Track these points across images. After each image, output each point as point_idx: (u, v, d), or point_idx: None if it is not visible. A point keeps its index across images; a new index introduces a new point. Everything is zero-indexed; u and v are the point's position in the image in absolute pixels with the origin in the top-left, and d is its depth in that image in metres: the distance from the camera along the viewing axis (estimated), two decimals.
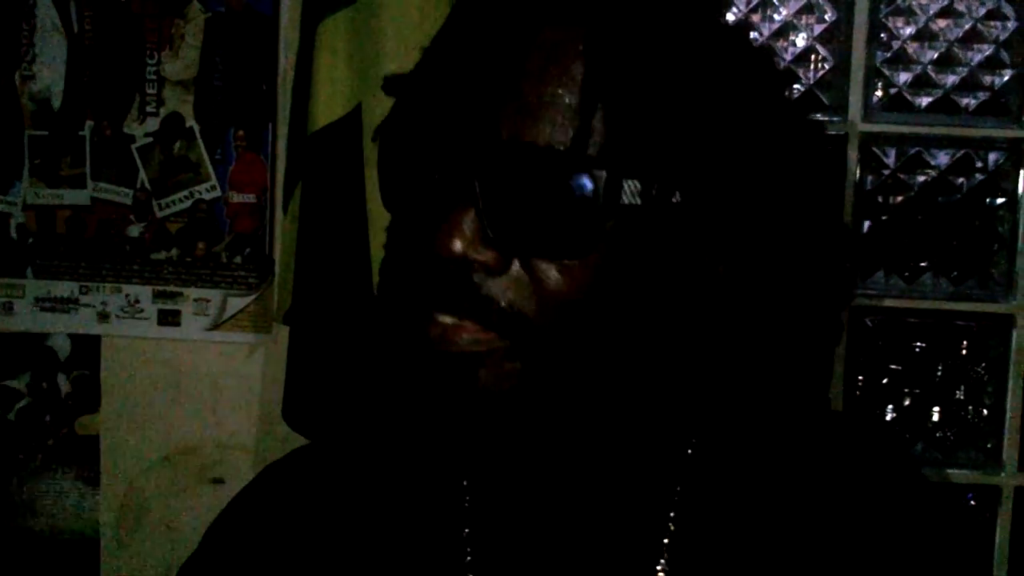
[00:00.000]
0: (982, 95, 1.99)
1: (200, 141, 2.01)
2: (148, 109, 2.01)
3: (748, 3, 1.98)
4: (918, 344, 2.02)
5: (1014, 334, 1.98)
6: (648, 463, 0.81)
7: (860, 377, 2.03)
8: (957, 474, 2.00)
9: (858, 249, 1.99)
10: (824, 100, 2.00)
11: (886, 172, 2.00)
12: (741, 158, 0.73)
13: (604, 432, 0.78)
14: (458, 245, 0.68)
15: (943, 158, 2.00)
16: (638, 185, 0.69)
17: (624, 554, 0.79)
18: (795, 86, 1.97)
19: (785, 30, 1.99)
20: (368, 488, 0.86)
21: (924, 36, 1.99)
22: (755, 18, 1.99)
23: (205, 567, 0.88)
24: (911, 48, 1.99)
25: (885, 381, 2.03)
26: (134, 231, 2.04)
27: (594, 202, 0.69)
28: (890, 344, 2.02)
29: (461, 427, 0.77)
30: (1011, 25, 1.97)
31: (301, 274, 1.83)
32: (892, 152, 2.00)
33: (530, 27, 0.71)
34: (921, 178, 2.00)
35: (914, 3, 1.98)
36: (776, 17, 1.99)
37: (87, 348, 2.07)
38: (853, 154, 1.96)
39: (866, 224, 2.01)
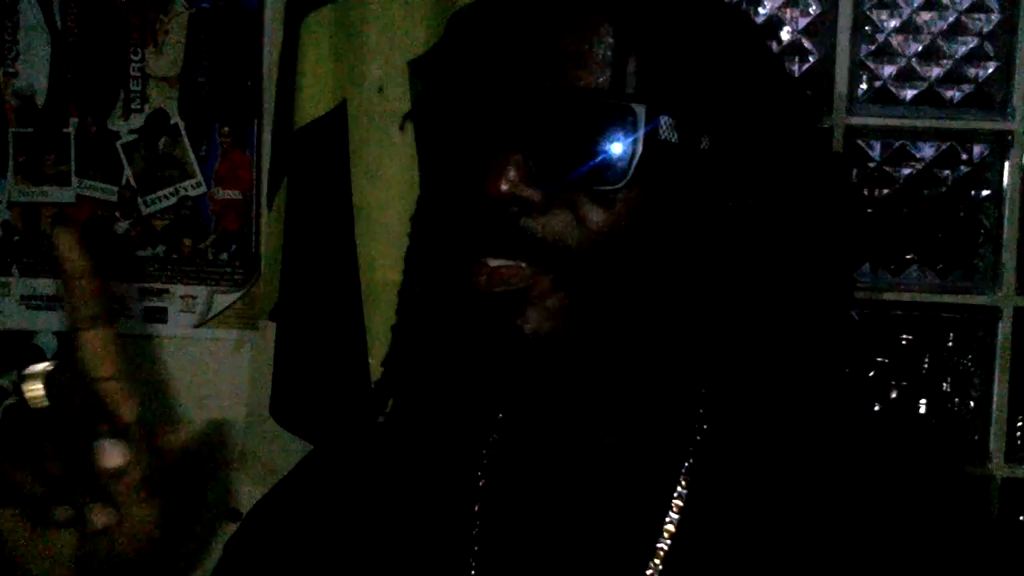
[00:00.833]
0: (967, 87, 2.00)
1: (185, 138, 2.01)
2: (133, 106, 2.01)
3: None
4: (905, 336, 2.03)
5: (1000, 326, 1.98)
6: (661, 437, 0.82)
7: (847, 369, 2.03)
8: None
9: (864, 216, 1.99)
10: (809, 93, 2.00)
11: (871, 165, 2.00)
12: (755, 109, 0.79)
13: (628, 389, 0.81)
14: (505, 185, 0.73)
15: (928, 151, 2.00)
16: (672, 121, 0.75)
17: (630, 536, 0.80)
18: None
19: (770, 23, 1.99)
20: (378, 482, 0.88)
21: (908, 29, 1.99)
22: None
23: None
24: (895, 41, 2.00)
25: (872, 373, 2.04)
26: (119, 228, 2.03)
27: (634, 135, 0.74)
28: (876, 336, 2.03)
29: (501, 376, 0.81)
30: (995, 17, 1.98)
31: (287, 270, 1.83)
32: (877, 145, 2.00)
33: None
34: (906, 171, 2.01)
35: None
36: (761, 11, 1.99)
37: (73, 346, 2.05)
38: (838, 147, 1.96)
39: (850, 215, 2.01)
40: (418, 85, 1.72)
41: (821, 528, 0.79)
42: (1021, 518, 2.02)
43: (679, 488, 0.81)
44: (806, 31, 1.99)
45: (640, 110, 0.73)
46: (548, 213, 0.74)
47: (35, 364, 0.67)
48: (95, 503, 0.66)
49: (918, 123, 1.99)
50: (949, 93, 2.00)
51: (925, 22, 1.99)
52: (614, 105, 0.74)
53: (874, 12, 1.99)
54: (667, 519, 0.80)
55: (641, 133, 0.73)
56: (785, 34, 1.99)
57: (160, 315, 2.04)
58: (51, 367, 0.66)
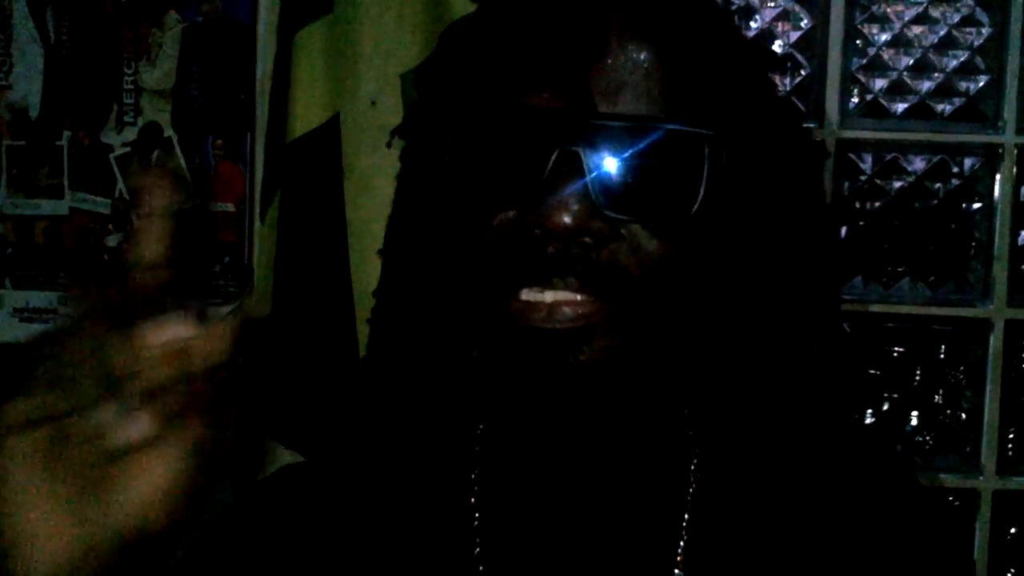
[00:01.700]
0: (958, 101, 2.00)
1: (178, 150, 2.01)
2: (126, 119, 2.01)
3: None
4: (896, 349, 2.03)
5: (991, 338, 1.99)
6: (665, 457, 0.82)
7: (836, 380, 2.03)
8: (936, 478, 2.00)
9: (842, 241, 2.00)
10: (801, 106, 2.00)
11: (863, 178, 2.01)
12: (759, 127, 0.79)
13: (646, 414, 0.81)
14: (569, 218, 0.70)
15: (919, 164, 2.01)
16: (728, 147, 0.75)
17: (638, 556, 0.80)
18: None
19: (762, 37, 2.00)
20: (369, 495, 0.86)
21: (900, 42, 2.00)
22: None
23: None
24: (887, 54, 2.00)
25: (864, 385, 2.04)
26: (113, 241, 2.03)
27: (703, 163, 0.73)
28: (868, 349, 2.03)
29: (541, 408, 0.77)
30: (986, 31, 1.99)
31: (280, 282, 1.83)
32: (869, 158, 2.01)
33: (602, 11, 0.75)
34: (898, 184, 2.01)
35: (889, 10, 1.99)
36: (753, 25, 2.00)
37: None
38: (830, 160, 1.97)
39: (843, 230, 2.02)
40: (412, 98, 1.72)
41: (804, 526, 0.81)
42: (1013, 530, 2.02)
43: (689, 492, 0.81)
44: (797, 45, 2.00)
45: (708, 139, 0.73)
46: (613, 244, 0.73)
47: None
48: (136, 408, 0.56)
49: (909, 136, 2.00)
50: (940, 106, 2.00)
51: (916, 36, 2.00)
52: (683, 134, 0.73)
53: (865, 26, 2.00)
54: (681, 530, 0.80)
55: (707, 161, 0.73)
56: (777, 47, 2.00)
57: None
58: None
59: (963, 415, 2.03)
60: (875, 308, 2.01)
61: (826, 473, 0.84)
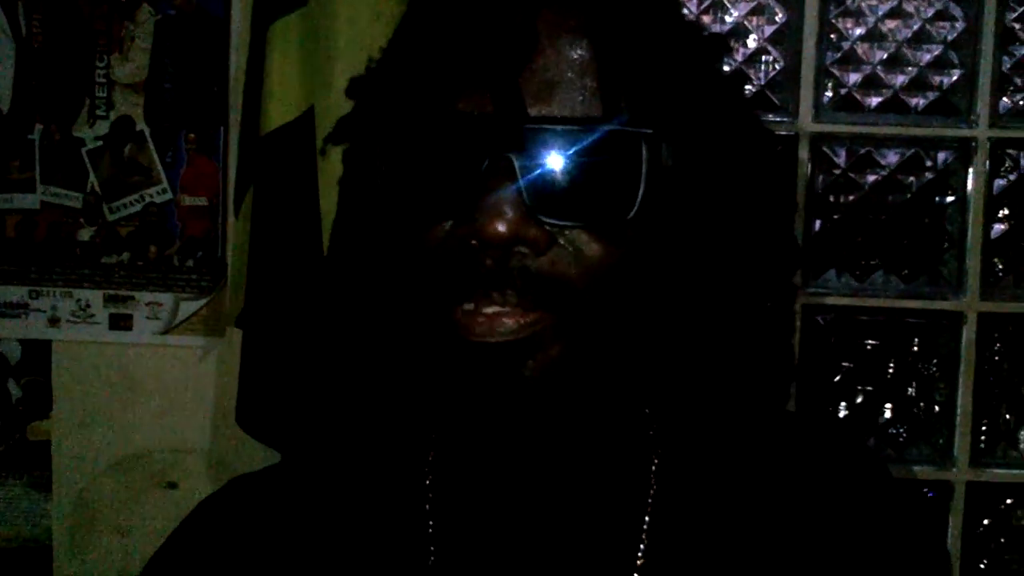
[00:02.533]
0: (931, 95, 2.01)
1: (151, 144, 2.00)
2: (98, 112, 2.00)
3: (700, 4, 1.99)
4: (870, 342, 2.04)
5: (964, 331, 2.00)
6: (624, 459, 0.81)
7: (812, 375, 2.04)
8: (909, 470, 2.01)
9: (802, 244, 2.00)
10: (775, 100, 2.01)
11: (837, 172, 2.02)
12: (714, 128, 0.76)
13: (599, 419, 0.79)
14: (503, 226, 0.68)
15: (893, 157, 2.01)
16: (669, 146, 0.73)
17: (597, 562, 0.79)
18: (746, 87, 1.98)
19: (736, 31, 2.00)
20: (331, 493, 0.85)
21: (873, 37, 2.01)
22: (706, 19, 2.00)
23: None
24: (861, 49, 2.01)
25: (837, 379, 2.05)
26: (85, 235, 2.02)
27: (640, 163, 0.71)
28: (842, 342, 2.04)
29: (489, 419, 0.75)
30: (959, 26, 2.00)
31: (254, 277, 1.82)
32: (843, 152, 2.01)
33: (531, 10, 0.72)
34: (871, 177, 2.02)
35: (863, 4, 2.00)
36: (727, 19, 2.00)
37: (38, 353, 2.05)
38: (804, 154, 1.98)
39: (817, 223, 2.02)
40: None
41: (770, 524, 0.80)
42: (986, 522, 2.03)
43: (650, 494, 0.81)
44: (772, 39, 2.00)
45: (645, 138, 0.71)
46: (551, 251, 0.70)
47: None
48: None
49: (883, 130, 2.01)
50: (914, 100, 2.01)
51: (890, 30, 2.00)
52: (620, 134, 0.70)
53: (839, 20, 2.00)
54: (641, 534, 0.79)
55: (646, 160, 0.71)
56: (751, 41, 2.00)
57: (125, 322, 2.03)
58: None
59: (936, 407, 2.04)
60: (848, 301, 2.02)
61: (791, 470, 0.83)
